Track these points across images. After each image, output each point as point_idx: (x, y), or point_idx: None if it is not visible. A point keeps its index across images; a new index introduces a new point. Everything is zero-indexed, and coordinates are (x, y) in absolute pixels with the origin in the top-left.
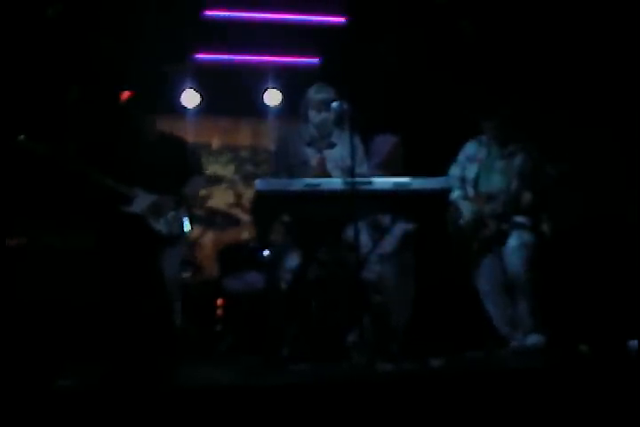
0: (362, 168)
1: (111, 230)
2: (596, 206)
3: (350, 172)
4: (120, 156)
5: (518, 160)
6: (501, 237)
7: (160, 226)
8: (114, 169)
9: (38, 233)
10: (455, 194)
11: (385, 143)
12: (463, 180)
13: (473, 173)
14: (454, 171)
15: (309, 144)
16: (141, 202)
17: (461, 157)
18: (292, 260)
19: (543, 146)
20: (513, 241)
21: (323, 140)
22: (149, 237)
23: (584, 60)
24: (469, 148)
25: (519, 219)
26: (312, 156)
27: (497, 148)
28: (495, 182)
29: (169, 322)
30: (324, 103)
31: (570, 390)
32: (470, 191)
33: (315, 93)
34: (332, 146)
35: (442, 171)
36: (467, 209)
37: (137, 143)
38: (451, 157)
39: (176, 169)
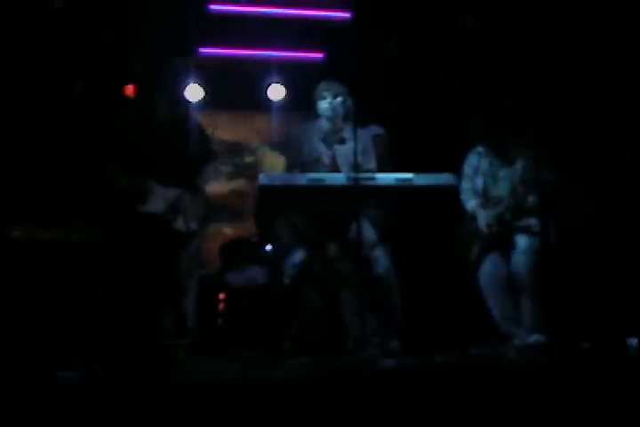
0: (370, 164)
1: (126, 229)
2: (597, 207)
3: (356, 167)
4: (131, 147)
5: (519, 165)
6: (505, 239)
7: (179, 224)
8: (126, 161)
9: (42, 226)
10: (472, 204)
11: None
12: (475, 191)
13: (480, 184)
14: (465, 185)
15: (322, 139)
16: (158, 200)
17: (467, 169)
18: (296, 255)
19: (543, 150)
20: (521, 244)
21: (334, 135)
22: (168, 236)
23: (585, 63)
24: (471, 160)
25: (527, 222)
26: (324, 152)
27: (496, 157)
28: (502, 190)
29: (174, 315)
30: (333, 95)
31: (570, 387)
32: (483, 201)
33: (324, 86)
34: (342, 141)
35: (445, 167)
36: (484, 218)
37: (147, 132)
38: (453, 153)
39: (189, 154)
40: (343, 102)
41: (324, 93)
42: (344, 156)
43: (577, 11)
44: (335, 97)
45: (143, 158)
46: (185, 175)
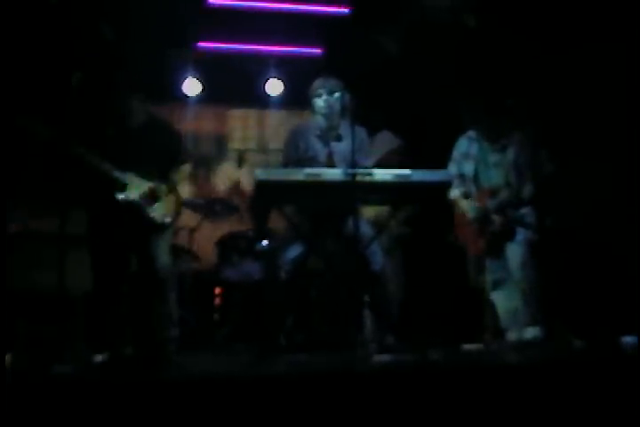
0: (367, 162)
1: (105, 217)
2: (594, 201)
3: (354, 164)
4: (108, 140)
5: (511, 153)
6: (508, 233)
7: (153, 213)
8: (104, 154)
9: (30, 218)
10: (455, 192)
11: (386, 143)
12: (462, 177)
13: (470, 170)
14: (452, 168)
15: (319, 136)
16: (135, 188)
17: (455, 154)
18: (293, 250)
19: (539, 138)
20: (517, 237)
21: (331, 132)
22: (143, 225)
23: (585, 60)
24: (461, 144)
25: (523, 213)
26: (321, 149)
27: (488, 142)
28: (493, 177)
29: (164, 308)
30: (328, 92)
31: (566, 385)
32: (472, 189)
33: (320, 83)
34: (339, 138)
35: (442, 163)
36: (469, 207)
37: (124, 127)
38: (449, 150)
39: (166, 155)
40: (339, 98)
41: (320, 91)
42: (340, 153)
43: (577, 10)
44: (331, 93)
45: (119, 150)
46: (159, 170)
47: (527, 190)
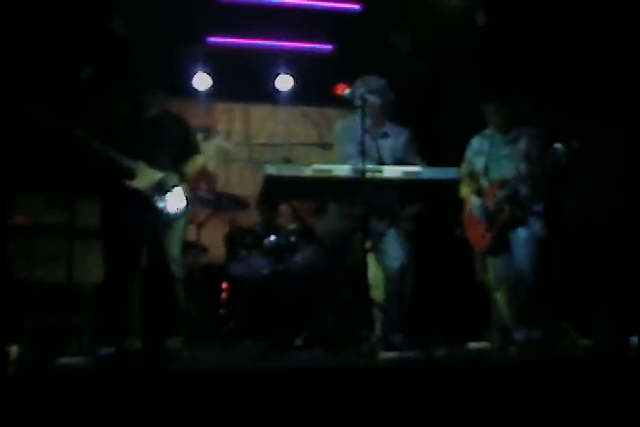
0: (414, 159)
1: (114, 206)
2: (602, 200)
3: (400, 162)
4: (120, 132)
5: (522, 143)
6: (517, 225)
7: (163, 203)
8: (117, 144)
9: (39, 210)
10: (464, 190)
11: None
12: (471, 175)
13: (480, 165)
14: (463, 168)
15: (366, 131)
16: (145, 178)
17: (468, 153)
18: (307, 248)
19: (549, 127)
20: (523, 232)
21: (377, 130)
22: (152, 215)
23: (593, 62)
24: (474, 143)
25: (533, 206)
26: (370, 144)
27: (500, 135)
28: (505, 168)
29: (173, 302)
30: (378, 90)
31: (571, 383)
32: (485, 183)
33: (369, 81)
34: (385, 136)
35: (453, 161)
36: (476, 204)
37: (136, 119)
38: (462, 147)
39: (177, 148)
40: (382, 97)
41: (369, 86)
42: (388, 149)
43: (586, 9)
44: (379, 90)
45: (134, 143)
46: (171, 162)
47: (537, 180)
